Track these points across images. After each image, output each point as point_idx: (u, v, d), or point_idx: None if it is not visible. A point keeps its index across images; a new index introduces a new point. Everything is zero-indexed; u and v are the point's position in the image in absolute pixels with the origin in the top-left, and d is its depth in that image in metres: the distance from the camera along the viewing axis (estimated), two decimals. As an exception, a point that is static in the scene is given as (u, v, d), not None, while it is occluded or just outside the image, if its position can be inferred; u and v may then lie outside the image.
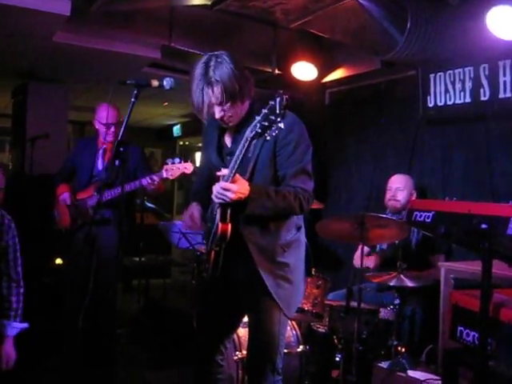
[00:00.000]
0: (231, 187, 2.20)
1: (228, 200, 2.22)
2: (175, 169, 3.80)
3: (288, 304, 2.49)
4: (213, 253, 2.46)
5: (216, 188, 2.25)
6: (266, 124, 2.07)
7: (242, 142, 2.20)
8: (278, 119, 2.06)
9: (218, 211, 2.38)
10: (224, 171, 2.27)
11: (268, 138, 2.11)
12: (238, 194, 2.21)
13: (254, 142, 2.19)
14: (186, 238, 4.87)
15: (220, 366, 2.63)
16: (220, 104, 2.31)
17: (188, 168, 3.81)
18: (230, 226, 2.36)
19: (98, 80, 5.77)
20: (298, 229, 2.56)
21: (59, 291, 4.68)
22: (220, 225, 2.36)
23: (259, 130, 2.09)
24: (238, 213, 2.32)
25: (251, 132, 2.13)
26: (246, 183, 2.26)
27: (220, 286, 2.56)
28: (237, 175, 2.23)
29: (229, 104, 2.31)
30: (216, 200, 2.29)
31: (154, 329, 4.88)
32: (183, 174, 3.86)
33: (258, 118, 2.09)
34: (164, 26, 4.45)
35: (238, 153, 2.22)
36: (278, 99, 2.06)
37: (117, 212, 4.01)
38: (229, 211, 2.35)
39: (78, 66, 5.29)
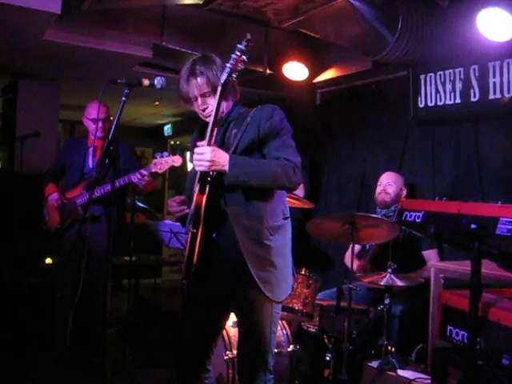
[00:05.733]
0: (206, 149, 2.25)
1: (206, 163, 2.24)
2: (164, 162, 3.74)
3: (271, 287, 2.40)
4: (189, 235, 2.38)
5: (194, 156, 2.30)
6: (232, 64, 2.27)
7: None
8: (244, 55, 2.27)
9: (198, 185, 2.36)
10: (203, 142, 2.33)
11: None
12: (214, 157, 2.24)
13: (234, 131, 2.39)
14: (177, 238, 4.86)
15: (208, 370, 2.60)
16: (203, 95, 2.43)
17: (176, 161, 3.74)
18: (204, 196, 2.33)
19: (88, 78, 5.74)
20: (285, 218, 2.54)
21: (49, 291, 4.65)
22: (195, 196, 2.35)
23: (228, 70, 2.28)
24: (222, 185, 2.33)
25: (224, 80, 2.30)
26: (224, 152, 2.30)
27: (203, 288, 2.50)
28: (214, 147, 2.29)
29: (211, 97, 2.41)
30: (196, 168, 2.32)
31: (144, 328, 4.86)
32: (172, 167, 3.82)
33: (228, 65, 2.29)
34: (155, 25, 4.43)
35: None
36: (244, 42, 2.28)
37: (107, 209, 3.99)
38: (208, 180, 2.33)
39: (68, 65, 5.26)
